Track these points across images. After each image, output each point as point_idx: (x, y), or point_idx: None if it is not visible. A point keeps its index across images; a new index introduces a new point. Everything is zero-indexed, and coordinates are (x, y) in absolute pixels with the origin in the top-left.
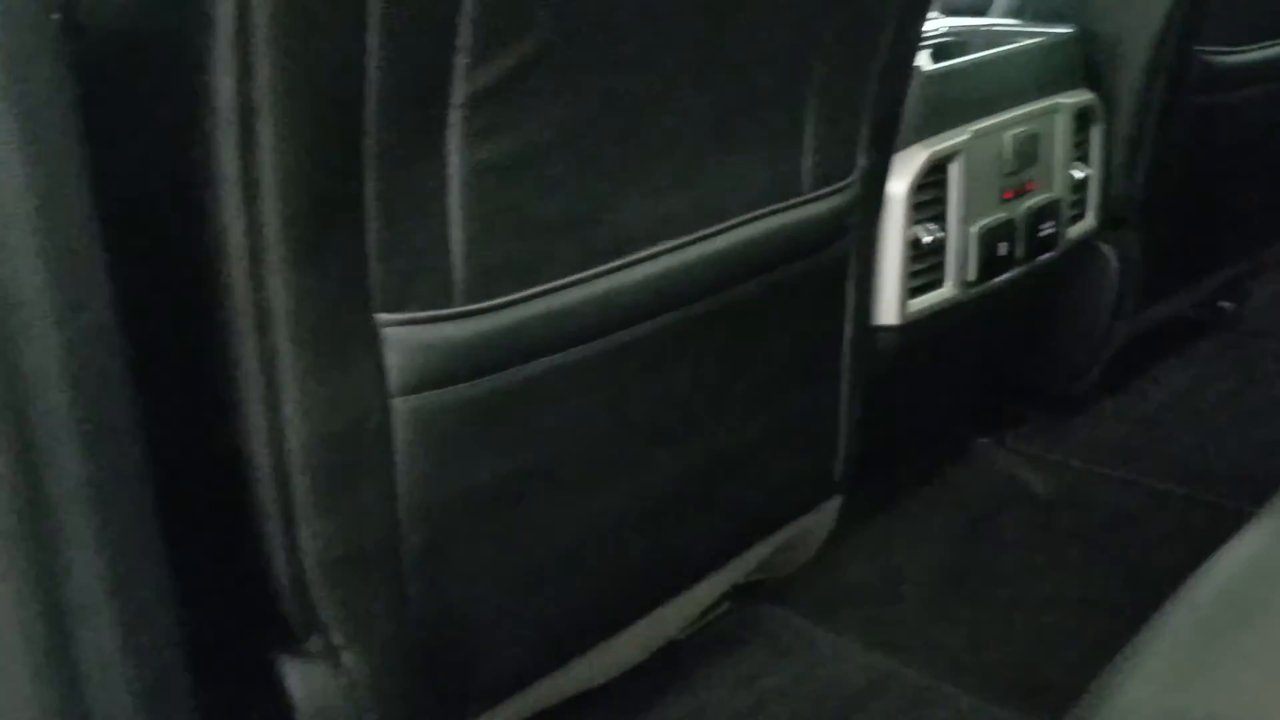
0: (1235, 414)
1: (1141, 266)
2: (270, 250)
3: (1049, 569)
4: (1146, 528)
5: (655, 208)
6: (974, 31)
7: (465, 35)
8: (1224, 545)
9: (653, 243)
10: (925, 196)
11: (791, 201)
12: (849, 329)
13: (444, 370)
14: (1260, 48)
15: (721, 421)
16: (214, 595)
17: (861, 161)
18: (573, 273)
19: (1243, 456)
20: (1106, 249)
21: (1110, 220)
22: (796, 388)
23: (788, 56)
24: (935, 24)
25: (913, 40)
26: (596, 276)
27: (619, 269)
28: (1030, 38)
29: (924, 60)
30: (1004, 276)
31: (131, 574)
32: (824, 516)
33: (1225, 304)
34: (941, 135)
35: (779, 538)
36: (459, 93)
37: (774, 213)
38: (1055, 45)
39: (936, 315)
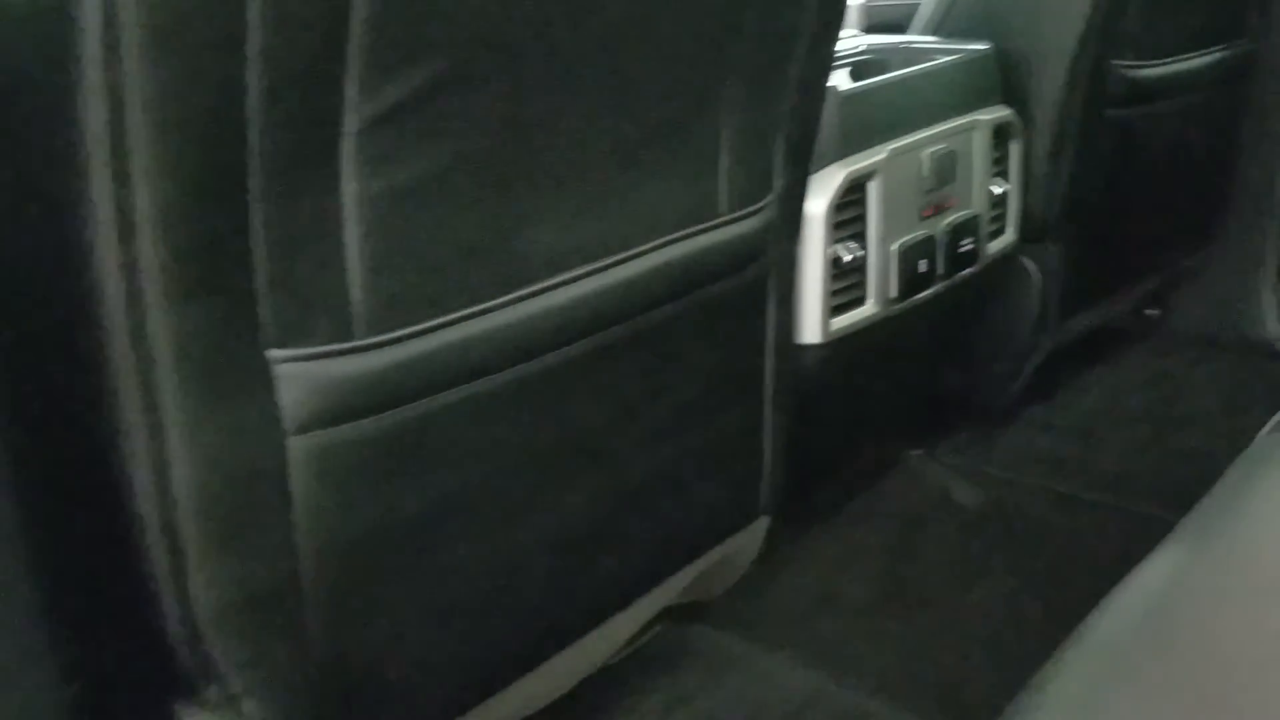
0: (1159, 423)
1: (1063, 279)
2: (149, 288)
3: (978, 582)
4: (1072, 539)
5: (566, 234)
6: (892, 49)
7: (355, 62)
8: (1139, 564)
9: (565, 269)
10: (845, 215)
11: (708, 224)
12: (770, 349)
13: (344, 406)
14: (1175, 61)
15: (642, 447)
16: (111, 645)
17: (778, 182)
18: (481, 301)
19: (1165, 465)
20: (1028, 262)
21: (1031, 234)
22: (719, 410)
23: (699, 80)
24: (853, 42)
25: (825, 60)
26: (506, 305)
27: (529, 297)
28: (948, 55)
29: (842, 79)
30: (925, 293)
31: None
32: (751, 538)
33: (1150, 312)
34: (859, 155)
35: (706, 561)
36: (351, 121)
37: (690, 235)
38: (972, 62)
39: (859, 333)
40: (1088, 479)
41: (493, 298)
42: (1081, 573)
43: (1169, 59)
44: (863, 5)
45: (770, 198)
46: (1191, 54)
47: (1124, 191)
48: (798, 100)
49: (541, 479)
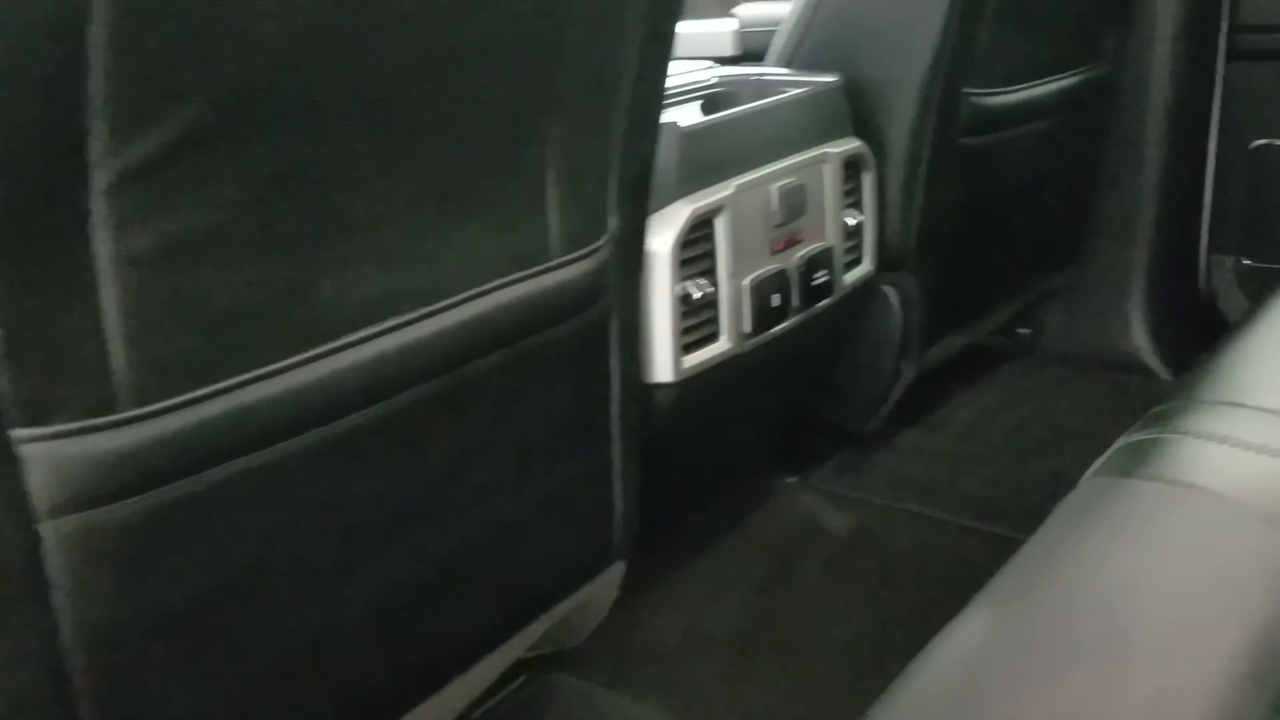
0: (1026, 444)
1: (923, 306)
2: None
3: (847, 612)
4: (939, 564)
5: (369, 287)
6: (744, 81)
7: (99, 114)
8: (950, 625)
9: (369, 324)
10: (692, 252)
11: (537, 269)
12: (617, 391)
13: (108, 485)
14: (1028, 87)
15: (477, 501)
16: None
17: (615, 222)
18: (270, 362)
19: (1030, 487)
20: (888, 290)
21: (889, 263)
22: (562, 457)
23: (517, 119)
24: (705, 74)
25: (655, 96)
26: (300, 364)
27: (329, 354)
28: (798, 87)
29: (692, 113)
30: (781, 326)
31: None
32: (607, 584)
33: (1022, 331)
34: (704, 191)
35: (558, 611)
36: (99, 178)
37: (517, 282)
38: (821, 95)
39: (715, 368)
40: (956, 503)
41: (284, 357)
42: (951, 600)
43: (1022, 85)
44: (737, 32)
45: (606, 238)
46: (1045, 80)
47: (982, 217)
48: (629, 137)
49: (355, 545)
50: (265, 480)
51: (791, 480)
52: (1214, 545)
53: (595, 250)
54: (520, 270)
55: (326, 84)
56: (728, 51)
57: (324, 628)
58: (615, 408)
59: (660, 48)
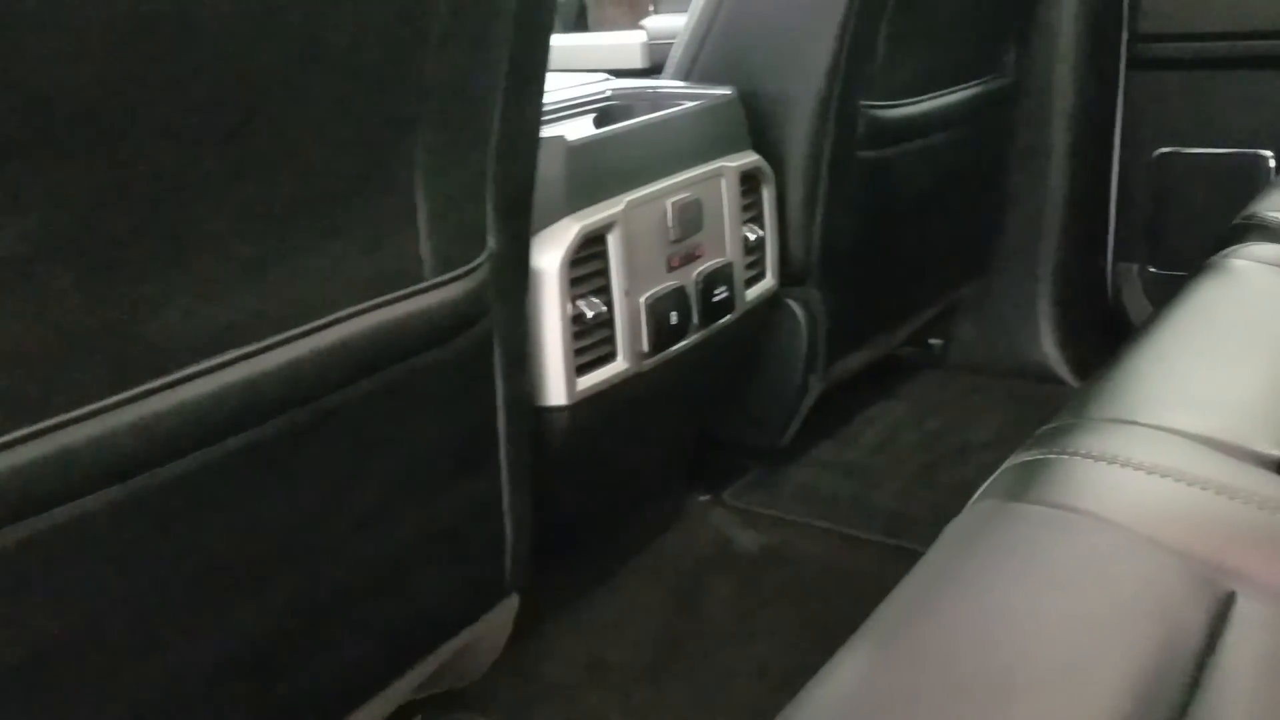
0: (936, 456)
1: (829, 319)
2: None
3: (758, 635)
4: (853, 583)
5: (209, 315)
6: (638, 94)
7: None
8: (833, 660)
9: (210, 355)
10: (584, 270)
11: (407, 290)
12: (503, 417)
13: None
14: (928, 98)
15: (350, 539)
16: None
17: (494, 240)
18: (88, 402)
19: (939, 500)
20: (793, 305)
21: (793, 278)
22: (444, 488)
23: (380, 132)
24: (598, 86)
25: (530, 109)
26: (126, 403)
27: (160, 390)
28: (693, 100)
29: (584, 126)
30: (681, 344)
31: None
32: (500, 618)
33: (934, 341)
34: (595, 207)
35: (446, 650)
36: None
37: (383, 305)
38: (717, 107)
39: (612, 390)
40: (868, 518)
41: (105, 395)
42: (857, 620)
43: (921, 97)
44: (646, 44)
45: (484, 256)
46: (945, 91)
47: (886, 229)
48: (505, 151)
49: (210, 592)
50: (95, 529)
51: (704, 498)
52: (1100, 574)
53: (472, 270)
54: (387, 292)
55: (151, 89)
56: (637, 64)
57: (174, 684)
58: (503, 434)
59: (533, 56)
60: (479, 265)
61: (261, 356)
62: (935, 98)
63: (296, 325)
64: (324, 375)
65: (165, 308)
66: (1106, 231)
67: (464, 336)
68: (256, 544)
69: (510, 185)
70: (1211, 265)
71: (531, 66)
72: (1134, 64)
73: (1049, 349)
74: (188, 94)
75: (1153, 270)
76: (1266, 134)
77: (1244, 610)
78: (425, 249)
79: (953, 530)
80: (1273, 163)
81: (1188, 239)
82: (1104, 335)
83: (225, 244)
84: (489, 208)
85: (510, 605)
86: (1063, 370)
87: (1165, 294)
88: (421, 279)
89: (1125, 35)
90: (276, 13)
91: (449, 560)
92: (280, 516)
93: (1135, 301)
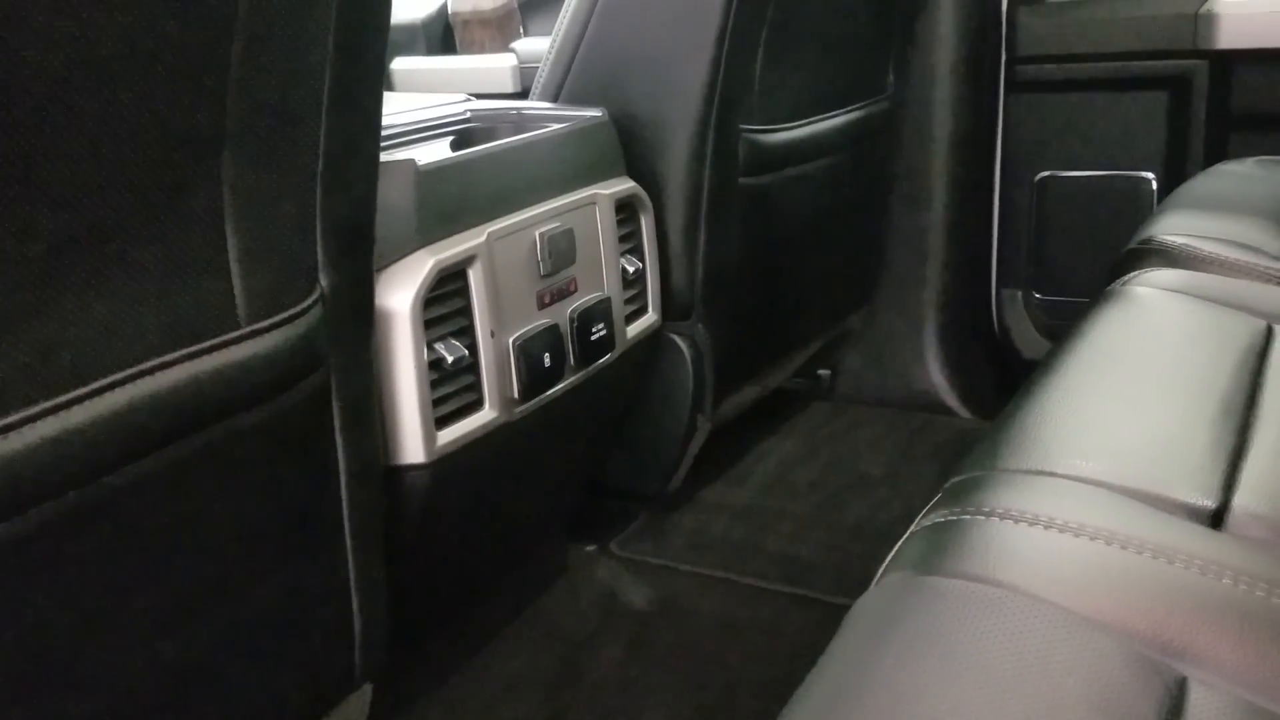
0: (827, 494)
1: (715, 355)
2: None
3: (651, 698)
4: (749, 637)
5: None
6: (501, 116)
7: None
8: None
9: None
10: (442, 309)
11: (216, 341)
12: (346, 483)
13: None
14: (809, 123)
15: (150, 640)
16: None
17: (327, 279)
18: None
19: (835, 542)
20: (678, 340)
21: (676, 312)
22: (273, 570)
23: (177, 155)
24: (455, 107)
25: (362, 130)
26: None
27: None
28: (561, 122)
29: (439, 150)
30: (557, 388)
31: None
32: (353, 711)
33: (822, 372)
34: (452, 239)
35: None
36: None
37: (185, 359)
38: (587, 130)
39: (479, 443)
40: (763, 565)
41: None
42: (761, 677)
43: (802, 121)
44: (516, 67)
45: (314, 299)
46: (825, 115)
47: (771, 259)
48: (333, 177)
49: None
50: None
51: (590, 549)
52: (1036, 664)
53: (299, 314)
54: (190, 344)
55: None
56: (508, 88)
57: None
58: (346, 503)
59: (363, 69)
60: (308, 308)
61: (21, 430)
62: (816, 122)
63: (70, 389)
64: (106, 448)
65: None
66: (990, 257)
67: (292, 392)
68: (17, 661)
69: (343, 216)
70: (1111, 293)
71: (362, 81)
72: (1013, 87)
73: (937, 378)
74: None
75: (1037, 296)
76: (1146, 156)
77: (1198, 701)
78: (239, 291)
79: (862, 609)
80: (1155, 185)
81: (1072, 264)
82: (991, 363)
83: None
84: (319, 242)
85: (363, 698)
86: (951, 400)
87: (1051, 319)
88: (235, 326)
89: (1004, 57)
90: (26, 12)
91: (282, 653)
92: (57, 616)
93: (1020, 328)
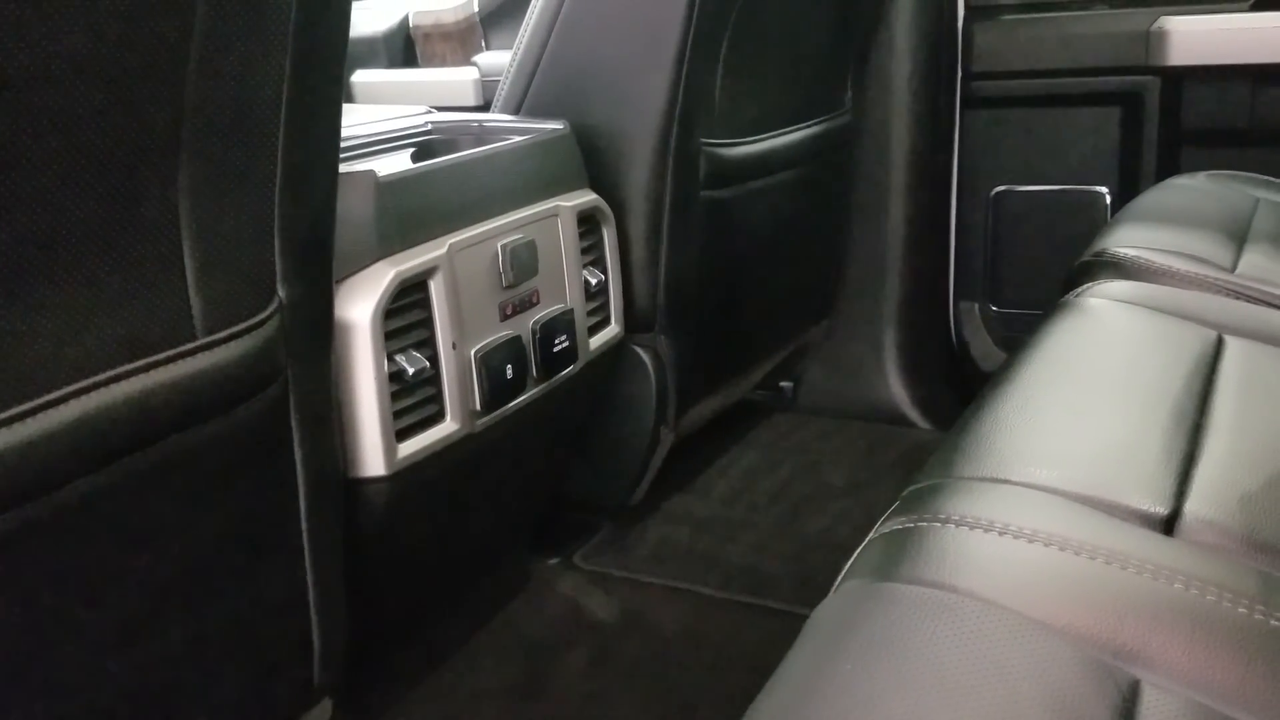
0: (789, 505)
1: (678, 367)
2: None
3: (614, 710)
4: (712, 647)
5: None
6: (462, 128)
7: None
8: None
9: None
10: (403, 321)
11: (172, 353)
12: (305, 496)
13: None
14: (769, 136)
15: (109, 653)
16: None
17: (286, 290)
18: None
19: (797, 554)
20: (640, 352)
21: (639, 324)
22: (227, 588)
23: (131, 163)
24: (417, 119)
25: (322, 143)
26: None
27: None
28: (523, 134)
29: (400, 162)
30: (519, 400)
31: None
32: None
33: (784, 384)
34: (413, 250)
35: None
36: None
37: (140, 371)
38: (549, 142)
39: (440, 455)
40: (726, 576)
41: None
42: (725, 687)
43: (762, 135)
44: (479, 81)
45: (272, 309)
46: (786, 129)
47: (733, 271)
48: (292, 188)
49: None
50: None
51: (553, 562)
52: (991, 668)
53: (258, 325)
54: (145, 355)
55: None
56: (470, 101)
57: None
58: (305, 515)
59: (322, 78)
60: (266, 320)
61: None
62: (776, 136)
63: (18, 402)
64: (59, 461)
65: None
66: (947, 271)
67: (250, 404)
68: None
69: (303, 226)
70: (1065, 304)
71: (321, 93)
72: (969, 102)
73: (896, 390)
74: None
75: (994, 309)
76: (1100, 170)
77: (1151, 703)
78: (195, 302)
79: (821, 615)
80: (1109, 198)
81: (1028, 276)
82: (950, 374)
83: None
84: (277, 253)
85: (322, 712)
86: (912, 412)
87: (1007, 332)
88: (191, 338)
89: (960, 74)
90: None
91: (240, 667)
92: (19, 627)
93: (978, 340)
